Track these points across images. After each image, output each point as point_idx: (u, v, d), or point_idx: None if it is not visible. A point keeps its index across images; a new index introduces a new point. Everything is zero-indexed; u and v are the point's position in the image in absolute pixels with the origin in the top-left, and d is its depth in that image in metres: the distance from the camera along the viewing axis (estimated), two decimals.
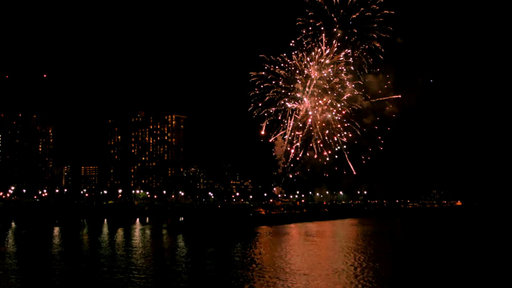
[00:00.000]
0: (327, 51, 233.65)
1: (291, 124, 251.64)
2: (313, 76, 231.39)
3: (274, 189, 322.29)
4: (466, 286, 64.12)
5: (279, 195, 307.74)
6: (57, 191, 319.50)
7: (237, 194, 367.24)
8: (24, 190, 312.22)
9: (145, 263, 79.34)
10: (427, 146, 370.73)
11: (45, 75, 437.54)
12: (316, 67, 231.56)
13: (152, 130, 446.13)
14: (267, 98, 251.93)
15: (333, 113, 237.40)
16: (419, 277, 69.04)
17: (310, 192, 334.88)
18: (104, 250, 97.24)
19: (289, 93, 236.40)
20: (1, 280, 64.12)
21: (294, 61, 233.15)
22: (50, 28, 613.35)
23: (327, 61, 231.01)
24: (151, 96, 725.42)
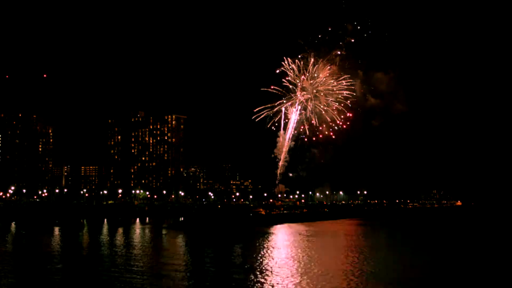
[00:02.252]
0: (334, 53, 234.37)
1: (293, 124, 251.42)
2: (320, 76, 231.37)
3: (275, 189, 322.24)
4: None
5: (279, 195, 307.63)
6: (57, 191, 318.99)
7: (237, 194, 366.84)
8: (24, 190, 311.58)
9: (144, 263, 79.34)
10: (427, 146, 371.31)
11: (45, 75, 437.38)
12: (322, 66, 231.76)
13: (152, 130, 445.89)
14: (271, 98, 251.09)
15: (337, 112, 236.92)
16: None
17: (310, 192, 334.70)
18: (104, 250, 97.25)
19: (292, 94, 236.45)
20: (1, 280, 64.06)
21: (299, 62, 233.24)
22: (50, 28, 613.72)
23: (334, 60, 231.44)
24: (151, 96, 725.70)
